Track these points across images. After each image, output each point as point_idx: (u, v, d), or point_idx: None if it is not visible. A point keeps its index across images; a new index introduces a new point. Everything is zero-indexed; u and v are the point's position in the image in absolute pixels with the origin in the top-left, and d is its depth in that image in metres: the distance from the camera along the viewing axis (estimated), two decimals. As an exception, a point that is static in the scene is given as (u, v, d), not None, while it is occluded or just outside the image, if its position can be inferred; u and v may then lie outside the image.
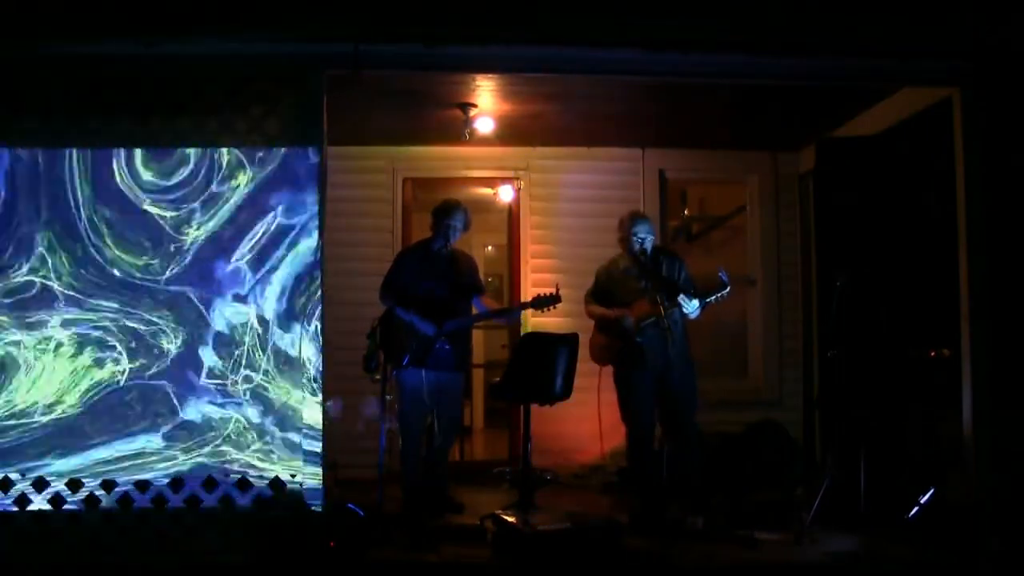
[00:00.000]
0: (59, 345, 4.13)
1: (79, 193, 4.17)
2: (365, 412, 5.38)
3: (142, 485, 4.06)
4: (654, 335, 4.65)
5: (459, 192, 6.64)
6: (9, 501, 4.01)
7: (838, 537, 4.39)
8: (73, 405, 4.10)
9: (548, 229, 6.57)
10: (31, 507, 4.01)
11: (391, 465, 4.82)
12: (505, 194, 6.74)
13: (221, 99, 4.21)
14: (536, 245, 6.57)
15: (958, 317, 4.36)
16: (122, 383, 4.13)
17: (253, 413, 4.15)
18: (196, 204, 4.20)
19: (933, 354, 4.77)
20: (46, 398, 4.10)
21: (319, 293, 4.18)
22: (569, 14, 4.17)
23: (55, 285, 4.13)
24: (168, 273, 4.19)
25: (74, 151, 4.17)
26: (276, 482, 4.10)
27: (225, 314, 4.19)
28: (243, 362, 4.17)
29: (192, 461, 4.10)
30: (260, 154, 4.22)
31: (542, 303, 4.75)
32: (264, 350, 4.18)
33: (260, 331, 4.19)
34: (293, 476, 4.11)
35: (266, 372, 4.17)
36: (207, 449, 4.12)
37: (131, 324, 4.15)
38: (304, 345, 4.18)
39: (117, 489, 4.04)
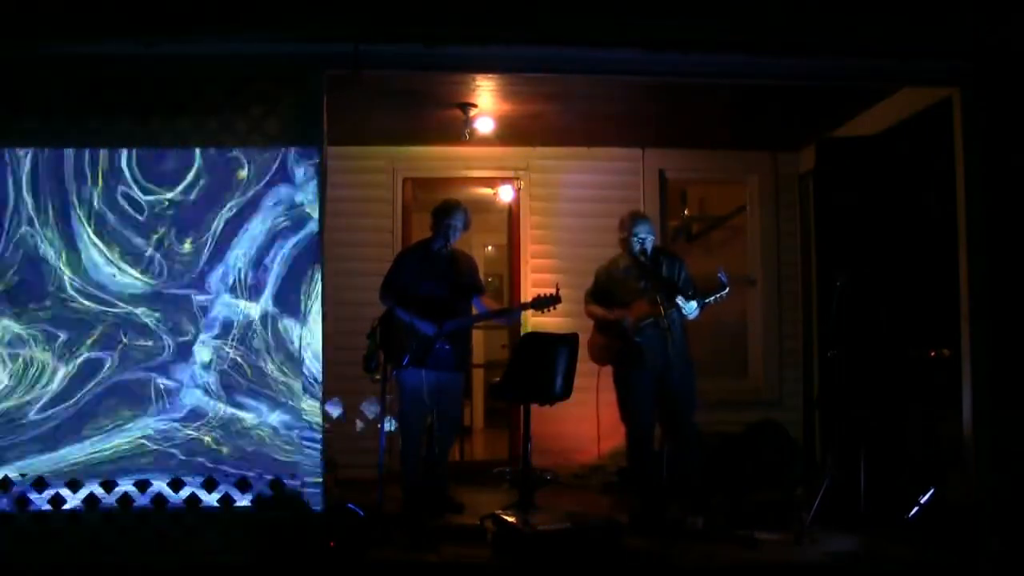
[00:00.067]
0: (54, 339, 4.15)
1: (78, 193, 4.18)
2: (366, 413, 5.37)
3: (142, 485, 4.06)
4: (653, 335, 4.65)
5: (459, 192, 6.64)
6: (8, 501, 4.02)
7: (838, 537, 4.38)
8: (69, 402, 4.11)
9: (548, 229, 6.57)
10: (31, 507, 4.01)
11: (391, 465, 4.82)
12: (505, 194, 6.74)
13: (221, 99, 4.21)
14: (536, 245, 6.57)
15: (958, 317, 4.36)
16: (117, 380, 4.13)
17: (253, 413, 4.15)
18: (196, 204, 4.20)
19: (933, 354, 4.77)
20: (47, 394, 4.11)
21: (319, 293, 4.18)
22: (569, 14, 4.17)
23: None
24: (167, 273, 4.18)
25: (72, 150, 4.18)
26: (276, 482, 4.10)
27: (224, 314, 4.19)
28: (243, 362, 4.17)
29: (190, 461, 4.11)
30: (260, 154, 4.22)
31: (542, 304, 4.75)
32: (263, 350, 4.18)
33: (259, 331, 4.19)
34: (293, 476, 4.11)
35: (266, 372, 4.17)
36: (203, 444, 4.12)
37: (130, 323, 4.16)
38: (304, 345, 4.17)
39: (117, 489, 4.04)
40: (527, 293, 6.27)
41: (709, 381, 5.51)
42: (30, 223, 4.15)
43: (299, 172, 4.22)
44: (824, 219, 5.58)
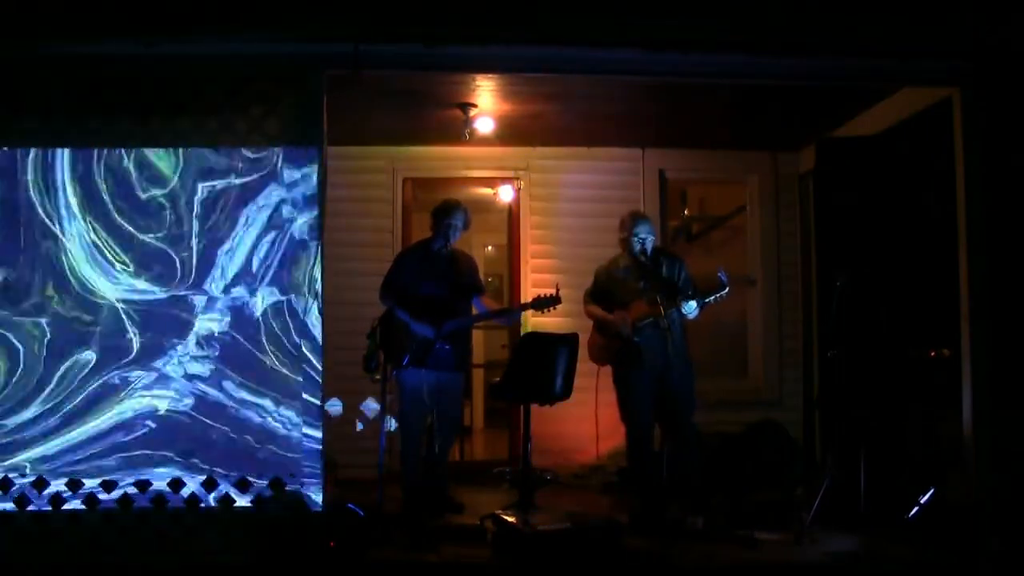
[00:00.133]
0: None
1: (77, 192, 4.18)
2: (366, 413, 5.38)
3: (142, 485, 4.06)
4: (653, 335, 4.65)
5: (459, 192, 6.64)
6: (9, 501, 4.02)
7: (838, 537, 4.38)
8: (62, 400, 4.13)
9: (548, 229, 6.57)
10: (30, 507, 4.01)
11: (391, 465, 4.82)
12: (505, 194, 6.74)
13: (221, 99, 4.21)
14: (536, 245, 6.57)
15: (958, 317, 4.36)
16: (114, 379, 4.13)
17: (253, 413, 4.15)
18: (196, 204, 4.20)
19: (933, 354, 4.77)
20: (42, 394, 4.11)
21: (319, 293, 4.18)
22: (569, 14, 4.17)
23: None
24: (166, 272, 4.18)
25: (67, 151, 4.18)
26: (276, 482, 4.10)
27: (223, 314, 4.19)
28: (242, 362, 4.16)
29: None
30: (260, 154, 4.22)
31: (542, 304, 4.75)
32: (263, 350, 4.17)
33: (259, 331, 4.18)
34: (293, 476, 4.11)
35: (266, 372, 4.16)
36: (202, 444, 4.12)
37: (127, 322, 4.16)
38: (303, 345, 4.17)
39: (117, 489, 4.05)
40: (527, 293, 6.27)
41: (709, 381, 5.51)
42: (28, 223, 4.15)
43: (299, 172, 4.22)
44: (824, 219, 5.58)
